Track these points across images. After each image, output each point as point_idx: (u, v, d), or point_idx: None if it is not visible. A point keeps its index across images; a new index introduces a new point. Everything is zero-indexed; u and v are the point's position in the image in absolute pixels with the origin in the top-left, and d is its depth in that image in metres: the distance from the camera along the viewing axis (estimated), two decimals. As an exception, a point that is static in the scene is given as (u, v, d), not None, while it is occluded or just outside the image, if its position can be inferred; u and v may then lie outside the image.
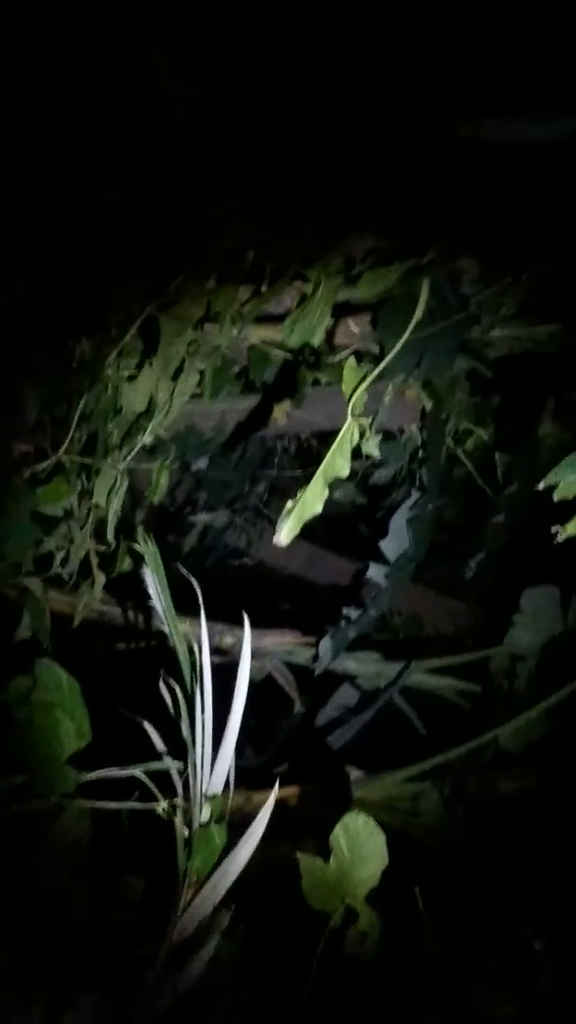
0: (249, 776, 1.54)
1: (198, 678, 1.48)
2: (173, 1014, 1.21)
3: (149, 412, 2.02)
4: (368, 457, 1.54)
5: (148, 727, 1.47)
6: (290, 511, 1.36)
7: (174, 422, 2.12)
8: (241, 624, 1.53)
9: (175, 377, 2.01)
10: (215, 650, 1.57)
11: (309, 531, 1.45)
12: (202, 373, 2.09)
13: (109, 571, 1.99)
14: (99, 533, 1.99)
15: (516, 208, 1.81)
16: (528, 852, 1.52)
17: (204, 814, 1.39)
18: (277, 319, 2.06)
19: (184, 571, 1.60)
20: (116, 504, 1.97)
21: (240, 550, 2.76)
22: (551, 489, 1.28)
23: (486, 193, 1.77)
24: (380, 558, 2.00)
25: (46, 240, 1.84)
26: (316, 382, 2.12)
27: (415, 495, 2.04)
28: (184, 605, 1.61)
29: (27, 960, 1.23)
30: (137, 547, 1.72)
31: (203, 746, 1.43)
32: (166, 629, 1.58)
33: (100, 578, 1.98)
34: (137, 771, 1.43)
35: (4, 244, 1.79)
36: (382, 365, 1.64)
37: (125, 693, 1.50)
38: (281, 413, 2.21)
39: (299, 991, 1.24)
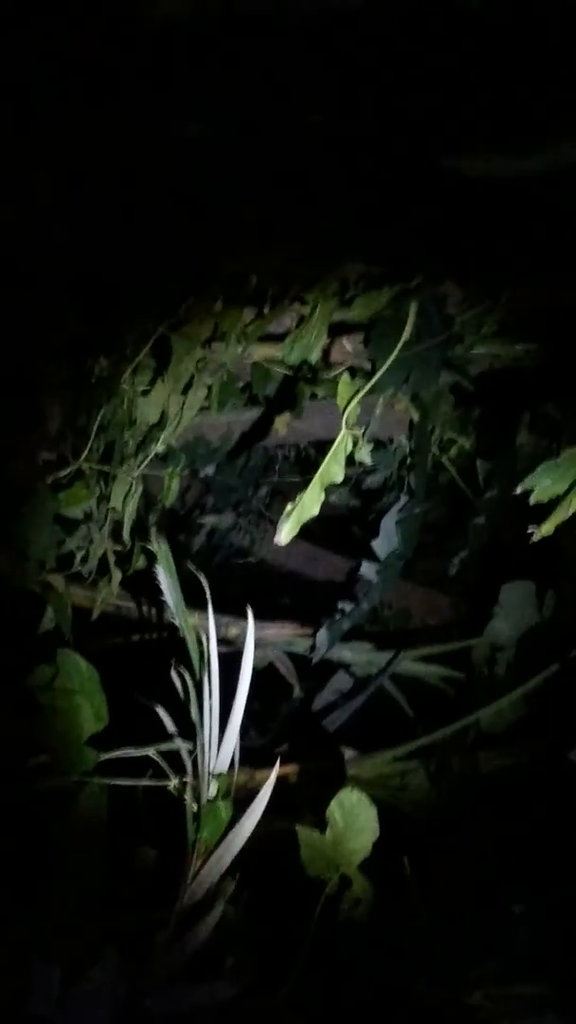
0: (252, 755, 1.54)
1: (206, 666, 1.48)
2: (184, 972, 1.21)
3: (161, 423, 2.01)
4: (361, 464, 1.54)
5: (160, 711, 1.47)
6: (290, 513, 1.36)
7: (184, 432, 2.12)
8: (245, 617, 1.53)
9: (185, 391, 2.00)
10: (221, 640, 1.57)
11: (307, 531, 1.45)
12: (210, 388, 2.09)
13: (125, 568, 1.99)
14: (116, 534, 1.99)
15: (496, 236, 1.81)
16: (507, 824, 1.52)
17: (211, 790, 1.39)
18: (278, 338, 2.06)
19: (193, 568, 1.60)
20: (131, 507, 1.97)
21: (244, 549, 2.75)
22: (527, 493, 1.28)
23: (468, 223, 1.77)
24: (372, 556, 2.00)
25: (67, 268, 1.84)
26: (313, 396, 2.12)
27: (404, 499, 2.04)
28: (193, 599, 1.61)
29: (50, 923, 1.23)
30: (150, 547, 1.72)
31: (210, 728, 1.43)
32: (176, 621, 1.58)
33: (117, 575, 1.98)
34: (150, 751, 1.43)
35: (29, 273, 1.80)
36: (373, 380, 1.64)
37: (139, 680, 1.50)
38: (282, 424, 2.21)
39: (298, 952, 1.24)
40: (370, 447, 1.51)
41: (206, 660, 1.49)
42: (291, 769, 1.66)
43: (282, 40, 1.48)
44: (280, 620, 2.08)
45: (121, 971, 1.16)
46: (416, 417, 2.16)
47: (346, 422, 1.45)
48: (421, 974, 1.29)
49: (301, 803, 1.48)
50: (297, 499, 1.37)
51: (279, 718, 1.97)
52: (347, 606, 2.00)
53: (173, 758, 1.43)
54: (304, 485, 1.40)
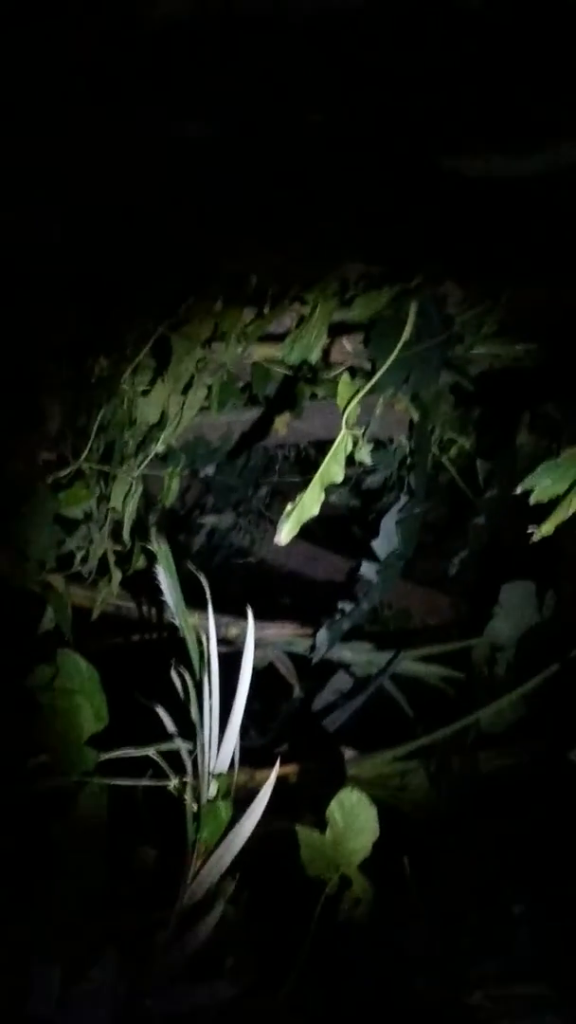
0: (252, 755, 1.54)
1: (206, 666, 1.48)
2: (184, 972, 1.21)
3: (161, 423, 2.01)
4: (361, 464, 1.54)
5: (160, 711, 1.47)
6: (290, 513, 1.36)
7: (184, 432, 2.12)
8: (245, 617, 1.53)
9: (185, 391, 2.00)
10: (221, 640, 1.57)
11: (307, 531, 1.45)
12: (210, 388, 2.09)
13: (125, 568, 1.99)
14: (116, 534, 1.99)
15: (496, 237, 1.81)
16: (507, 824, 1.52)
17: (211, 790, 1.38)
18: (278, 338, 2.06)
19: (193, 568, 1.60)
20: (131, 507, 1.97)
21: (244, 549, 2.75)
22: (527, 493, 1.28)
23: (468, 223, 1.77)
24: (372, 556, 2.00)
25: (67, 268, 1.84)
26: (313, 396, 2.12)
27: (404, 499, 2.04)
28: (193, 599, 1.60)
29: (50, 923, 1.22)
30: (150, 547, 1.72)
31: (210, 728, 1.43)
32: (177, 621, 1.58)
33: (117, 575, 1.98)
34: (150, 751, 1.43)
35: (29, 274, 1.79)
36: (373, 380, 1.64)
37: (139, 680, 1.49)
38: (282, 424, 2.21)
39: (298, 952, 1.24)
40: (370, 447, 1.51)
41: (206, 660, 1.49)
42: (291, 769, 1.66)
43: (282, 40, 1.48)
44: (280, 620, 2.07)
45: (121, 971, 1.16)
46: (416, 417, 2.16)
47: (346, 422, 1.45)
48: (421, 974, 1.28)
49: (301, 803, 1.48)
50: (297, 499, 1.37)
51: (279, 718, 1.97)
52: (347, 606, 2.00)
53: (173, 758, 1.43)
54: (304, 485, 1.40)
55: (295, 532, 1.37)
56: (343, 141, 1.64)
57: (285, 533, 1.36)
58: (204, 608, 1.55)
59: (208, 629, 1.51)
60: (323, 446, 1.52)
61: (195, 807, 1.35)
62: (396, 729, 1.77)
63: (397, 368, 1.74)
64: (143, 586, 1.93)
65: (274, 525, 2.19)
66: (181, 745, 1.44)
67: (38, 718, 1.41)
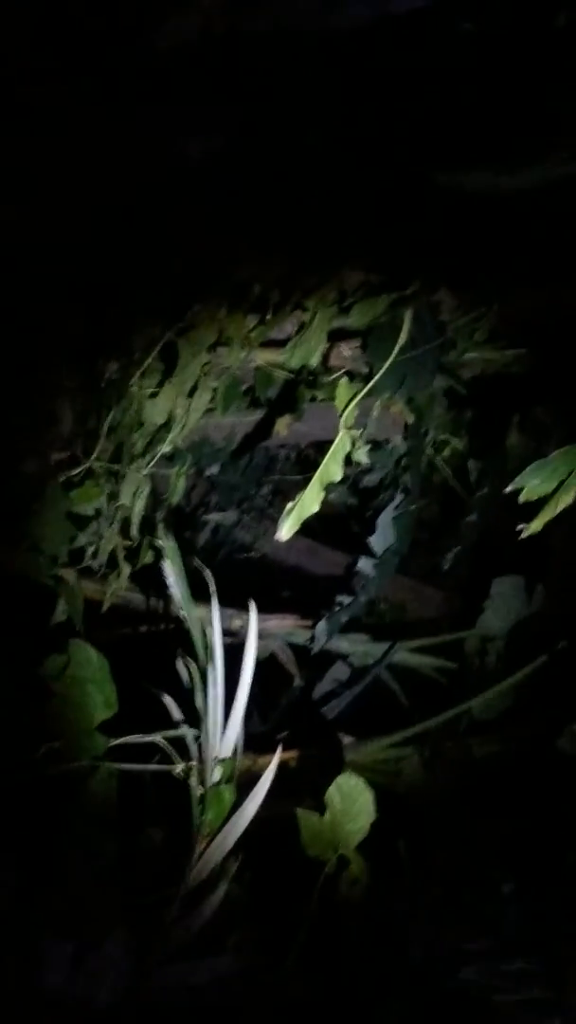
0: (255, 741, 1.55)
1: (211, 656, 1.49)
2: (189, 947, 1.21)
3: (168, 425, 2.01)
4: (358, 464, 1.54)
5: (167, 699, 1.47)
6: (291, 511, 1.36)
7: (190, 433, 2.12)
8: (248, 609, 1.53)
9: (191, 394, 2.00)
10: (225, 632, 1.57)
11: (307, 528, 1.45)
12: (214, 391, 2.09)
13: (134, 563, 1.99)
14: (125, 530, 1.99)
15: (488, 247, 1.81)
16: (497, 808, 1.52)
17: (216, 775, 1.39)
18: (279, 344, 2.06)
19: (198, 563, 1.61)
20: (140, 505, 1.97)
21: (247, 545, 2.75)
22: (517, 492, 1.28)
23: (462, 234, 1.77)
24: (369, 552, 2.00)
25: (78, 277, 1.84)
26: (313, 398, 2.12)
27: (399, 497, 2.04)
28: (198, 593, 1.61)
29: (63, 900, 1.23)
30: (158, 542, 1.73)
31: (215, 715, 1.44)
32: (183, 614, 1.59)
33: (126, 569, 1.98)
34: (157, 737, 1.43)
35: (42, 282, 1.79)
36: (370, 384, 1.64)
37: (147, 669, 1.50)
38: (283, 426, 2.21)
39: (298, 929, 1.24)
40: (367, 448, 1.51)
41: (211, 651, 1.49)
42: (292, 755, 1.66)
43: (284, 57, 1.48)
44: (281, 612, 2.07)
45: (129, 946, 1.16)
46: (411, 419, 2.16)
47: (344, 424, 1.45)
48: (415, 949, 1.29)
49: (301, 787, 1.48)
50: (298, 497, 1.37)
51: (280, 706, 1.97)
52: (345, 599, 2.00)
53: (179, 744, 1.43)
54: (304, 484, 1.39)
55: (296, 529, 1.37)
56: (342, 156, 1.64)
57: (286, 530, 1.36)
58: (209, 601, 1.55)
59: (213, 621, 1.51)
60: (322, 446, 1.52)
61: (200, 791, 1.35)
62: (392, 717, 1.77)
63: (393, 372, 1.74)
64: (151, 580, 1.93)
65: (276, 522, 2.19)
66: (187, 732, 1.44)
67: (51, 706, 1.41)
